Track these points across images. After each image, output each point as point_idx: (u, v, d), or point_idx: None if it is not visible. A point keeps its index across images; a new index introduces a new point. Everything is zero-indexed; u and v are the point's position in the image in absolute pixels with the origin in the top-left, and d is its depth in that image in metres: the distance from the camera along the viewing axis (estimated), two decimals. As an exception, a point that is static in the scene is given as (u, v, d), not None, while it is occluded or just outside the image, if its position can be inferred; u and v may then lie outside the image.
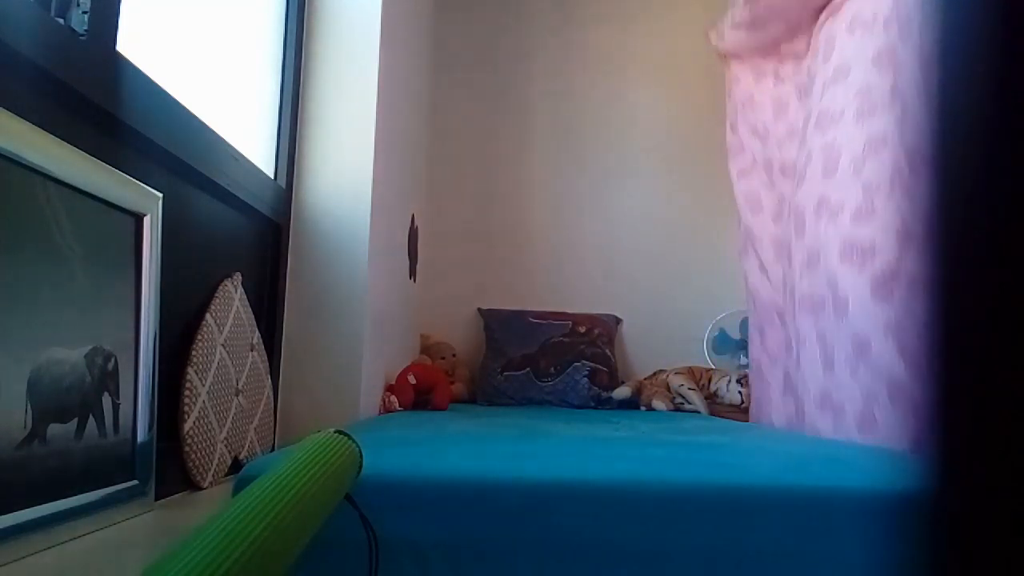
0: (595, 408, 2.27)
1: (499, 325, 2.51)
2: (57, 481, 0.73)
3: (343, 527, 0.73)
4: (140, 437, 0.89)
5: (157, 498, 0.92)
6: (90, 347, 0.79)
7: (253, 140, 1.50)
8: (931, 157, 0.23)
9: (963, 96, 0.22)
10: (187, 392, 1.04)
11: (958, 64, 0.22)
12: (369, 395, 1.69)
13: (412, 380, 1.87)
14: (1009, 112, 0.20)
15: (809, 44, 1.64)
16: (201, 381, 1.07)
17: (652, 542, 0.76)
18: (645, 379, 2.36)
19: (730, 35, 1.81)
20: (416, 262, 2.30)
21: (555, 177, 2.71)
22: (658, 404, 2.18)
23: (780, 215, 1.74)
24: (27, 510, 0.68)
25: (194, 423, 1.04)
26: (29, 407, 0.69)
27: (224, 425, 1.15)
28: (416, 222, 2.29)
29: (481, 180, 2.73)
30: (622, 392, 2.29)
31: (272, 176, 1.57)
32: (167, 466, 0.97)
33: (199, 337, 1.09)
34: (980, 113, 0.21)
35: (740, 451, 1.17)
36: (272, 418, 1.42)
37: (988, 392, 0.21)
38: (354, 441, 0.75)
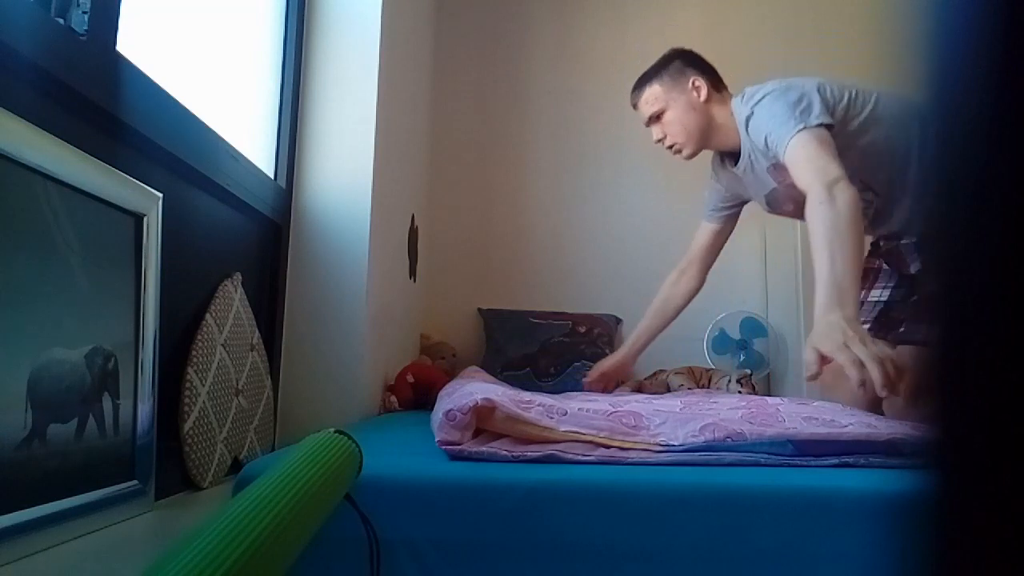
0: (595, 408, 2.26)
1: (499, 325, 2.51)
2: (57, 481, 0.73)
3: (343, 527, 0.73)
4: (140, 437, 0.89)
5: (157, 498, 0.92)
6: (90, 347, 0.79)
7: (253, 140, 1.50)
8: (932, 159, 0.23)
9: (963, 97, 0.22)
10: (187, 392, 1.04)
11: (958, 64, 0.22)
12: (369, 395, 1.69)
13: (410, 379, 1.87)
14: (1010, 113, 0.20)
15: None
16: (201, 381, 1.07)
17: (652, 542, 0.76)
18: (645, 379, 2.36)
19: None
20: (416, 262, 2.30)
21: (555, 177, 2.71)
22: (658, 404, 2.18)
23: None
24: (27, 510, 0.68)
25: (194, 423, 1.04)
26: (29, 407, 0.69)
27: (224, 425, 1.15)
28: (416, 222, 2.29)
29: (481, 180, 2.73)
30: (622, 393, 2.28)
31: (272, 176, 1.57)
32: (167, 466, 0.97)
33: (199, 337, 1.09)
34: (980, 115, 0.21)
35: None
36: (272, 418, 1.42)
37: (989, 391, 0.21)
38: (354, 441, 0.75)
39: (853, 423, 0.96)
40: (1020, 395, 0.20)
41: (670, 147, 1.67)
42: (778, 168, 1.49)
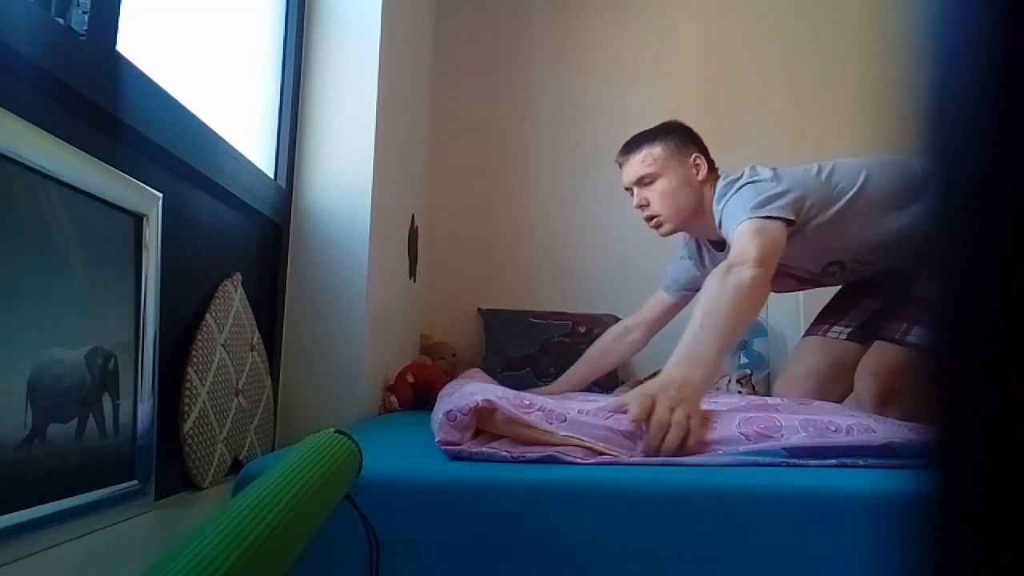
0: (595, 408, 2.26)
1: (499, 325, 2.51)
2: (57, 481, 0.73)
3: (343, 527, 0.73)
4: (140, 437, 0.89)
5: (157, 498, 0.92)
6: (90, 347, 0.79)
7: (253, 140, 1.50)
8: (932, 160, 0.23)
9: (963, 97, 0.22)
10: (187, 392, 1.04)
11: (958, 65, 0.22)
12: (369, 395, 1.69)
13: (410, 379, 1.87)
14: (1010, 113, 0.20)
15: None
16: (201, 381, 1.07)
17: (652, 542, 0.76)
18: (645, 379, 2.36)
19: None
20: (416, 262, 2.30)
21: (555, 177, 2.71)
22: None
23: None
24: (27, 510, 0.68)
25: (194, 423, 1.04)
26: (29, 407, 0.69)
27: (224, 425, 1.15)
28: (416, 222, 2.29)
29: (481, 180, 2.73)
30: (621, 392, 2.28)
31: (272, 176, 1.57)
32: (167, 466, 0.97)
33: (199, 337, 1.09)
34: (980, 114, 0.21)
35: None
36: (272, 418, 1.42)
37: (989, 391, 0.21)
38: (354, 441, 0.75)
39: (852, 425, 0.96)
40: (1020, 395, 0.20)
41: (650, 218, 1.63)
42: None
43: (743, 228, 1.34)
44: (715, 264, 1.72)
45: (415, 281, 2.33)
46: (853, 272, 1.58)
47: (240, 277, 1.27)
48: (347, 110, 1.66)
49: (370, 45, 1.68)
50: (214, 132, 1.22)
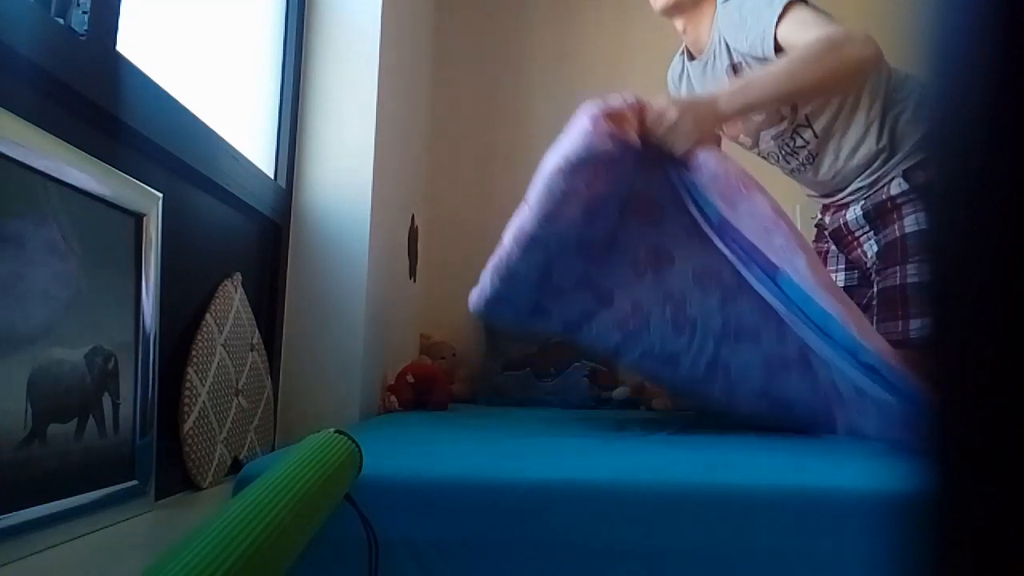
0: (595, 408, 2.26)
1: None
2: (57, 481, 0.73)
3: (343, 527, 0.73)
4: (140, 437, 0.89)
5: (157, 498, 0.92)
6: (90, 347, 0.79)
7: (253, 140, 1.50)
8: (932, 157, 0.23)
9: (963, 97, 0.22)
10: (187, 392, 1.04)
11: (958, 65, 0.22)
12: (369, 395, 1.69)
13: (410, 379, 1.87)
14: (1010, 113, 0.20)
15: None
16: (201, 381, 1.07)
17: (652, 542, 0.77)
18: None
19: None
20: (416, 262, 2.30)
21: (555, 177, 2.71)
22: (658, 404, 2.18)
23: None
24: (27, 510, 0.68)
25: (194, 423, 1.04)
26: (29, 407, 0.69)
27: (224, 425, 1.15)
28: (416, 222, 2.29)
29: (481, 180, 2.73)
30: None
31: (272, 176, 1.57)
32: (167, 466, 0.97)
33: (199, 337, 1.09)
34: (980, 114, 0.21)
35: (740, 451, 1.17)
36: (272, 418, 1.42)
37: (988, 391, 0.21)
38: (354, 441, 0.75)
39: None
40: (1020, 395, 0.20)
41: None
42: (737, 70, 1.45)
43: (796, 15, 1.27)
44: (688, 81, 1.66)
45: (415, 281, 2.32)
46: (795, 135, 1.49)
47: (240, 277, 1.27)
48: (347, 110, 1.66)
49: (370, 45, 1.68)
50: (214, 132, 1.22)
